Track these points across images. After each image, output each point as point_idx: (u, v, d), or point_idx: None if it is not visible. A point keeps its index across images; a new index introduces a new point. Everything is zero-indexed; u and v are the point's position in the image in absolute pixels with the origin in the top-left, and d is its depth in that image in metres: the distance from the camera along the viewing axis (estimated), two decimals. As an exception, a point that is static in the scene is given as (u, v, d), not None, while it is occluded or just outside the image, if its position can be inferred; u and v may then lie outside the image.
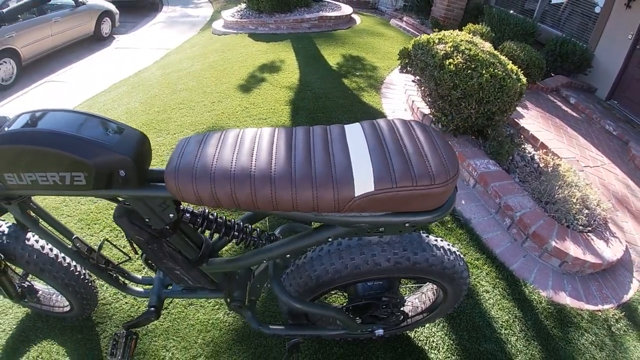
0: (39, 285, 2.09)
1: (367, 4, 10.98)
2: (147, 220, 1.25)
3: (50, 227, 1.59)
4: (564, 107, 5.70)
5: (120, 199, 1.28)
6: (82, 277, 1.86)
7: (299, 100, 4.40)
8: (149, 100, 4.55)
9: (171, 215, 1.25)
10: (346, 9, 8.42)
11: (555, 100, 5.88)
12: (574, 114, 5.61)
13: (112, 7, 9.42)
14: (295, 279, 1.44)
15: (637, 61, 6.26)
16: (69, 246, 1.59)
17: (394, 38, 7.33)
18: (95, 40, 8.87)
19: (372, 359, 1.93)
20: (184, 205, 1.31)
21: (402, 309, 1.60)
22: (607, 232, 2.90)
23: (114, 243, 2.16)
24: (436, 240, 1.43)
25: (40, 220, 1.53)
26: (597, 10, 6.86)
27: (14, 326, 2.08)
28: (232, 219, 1.39)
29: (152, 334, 2.00)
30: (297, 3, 8.01)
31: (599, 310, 2.45)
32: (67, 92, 5.86)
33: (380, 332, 1.60)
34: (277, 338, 1.99)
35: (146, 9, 12.22)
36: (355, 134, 1.14)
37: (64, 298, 2.11)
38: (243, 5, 8.58)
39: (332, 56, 5.95)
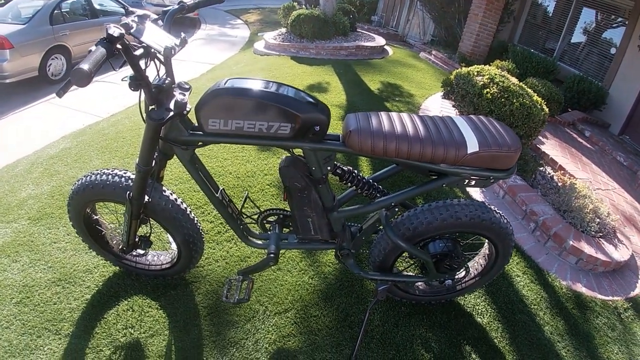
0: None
1: (397, 36, 11.65)
2: (313, 169, 1.78)
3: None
4: (579, 139, 6.17)
5: (296, 151, 1.79)
6: (200, 232, 2.12)
7: (346, 118, 4.89)
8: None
9: (328, 167, 1.80)
10: (380, 40, 9.02)
11: (571, 133, 6.35)
12: (589, 145, 6.09)
13: (158, 21, 9.89)
14: (397, 230, 1.96)
15: (648, 99, 6.62)
16: (216, 195, 1.93)
17: (425, 70, 7.83)
18: (140, 48, 9.35)
19: (432, 318, 2.38)
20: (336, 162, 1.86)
21: (463, 265, 2.14)
22: (616, 240, 3.41)
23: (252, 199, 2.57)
24: (496, 208, 2.00)
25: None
26: (613, 51, 7.32)
27: (101, 283, 2.34)
28: (365, 176, 1.97)
29: (246, 291, 2.28)
30: (336, 32, 8.61)
31: (610, 300, 2.88)
32: (115, 91, 6.25)
33: (449, 282, 2.14)
34: (357, 301, 2.41)
35: (186, 26, 12.80)
36: (460, 120, 1.78)
37: (162, 256, 2.39)
38: (284, 30, 9.17)
39: (372, 82, 6.46)
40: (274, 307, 2.33)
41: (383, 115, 1.76)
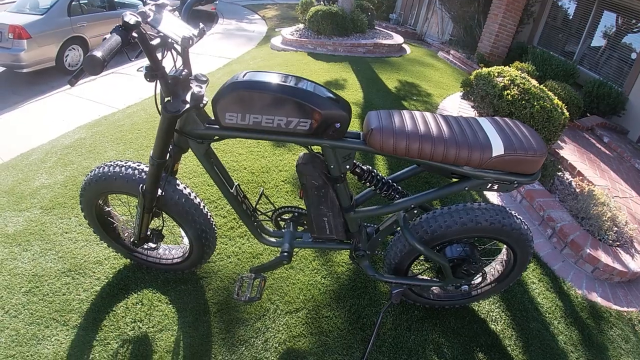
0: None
1: (415, 35, 11.55)
2: (331, 167, 1.72)
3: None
4: (597, 145, 6.03)
5: (314, 148, 1.74)
6: (213, 227, 2.08)
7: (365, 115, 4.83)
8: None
9: (347, 166, 1.74)
10: (398, 38, 8.93)
11: (590, 138, 6.21)
12: (607, 151, 5.95)
13: (175, 12, 9.81)
14: (415, 233, 1.90)
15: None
16: (231, 190, 1.89)
17: (443, 69, 7.72)
18: (158, 42, 9.30)
19: (445, 323, 2.33)
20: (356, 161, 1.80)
21: (480, 271, 2.08)
22: (633, 249, 3.32)
23: (267, 195, 2.46)
24: (516, 213, 1.94)
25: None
26: (634, 56, 7.14)
27: (111, 275, 2.32)
28: (384, 176, 1.91)
29: (258, 289, 2.26)
30: (354, 29, 8.53)
31: (625, 312, 2.81)
32: (131, 83, 6.27)
33: (465, 287, 2.09)
34: (370, 303, 2.37)
35: (203, 19, 12.66)
36: (485, 121, 1.72)
37: (173, 250, 2.36)
38: (301, 26, 9.12)
39: (389, 80, 6.39)
40: (285, 306, 2.29)
41: (406, 113, 1.70)
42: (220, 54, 8.50)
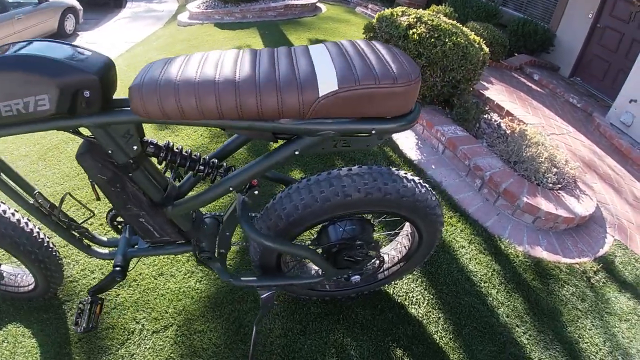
0: (5, 267, 1.99)
1: (334, -7, 11.01)
2: (110, 152, 1.21)
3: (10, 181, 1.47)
4: (528, 83, 5.80)
5: (85, 133, 1.24)
6: (45, 244, 1.75)
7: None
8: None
9: (135, 147, 1.22)
10: (311, -3, 8.44)
11: (519, 77, 5.97)
12: (538, 89, 5.72)
13: (75, 3, 9.25)
14: (265, 222, 1.39)
15: (597, 39, 6.37)
16: (31, 201, 1.50)
17: (359, 24, 7.26)
18: (59, 38, 8.39)
19: (350, 317, 1.88)
20: (148, 137, 1.28)
21: (377, 253, 1.57)
22: (577, 190, 2.93)
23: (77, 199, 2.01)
24: (406, 174, 1.41)
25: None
26: (558, -8, 6.97)
27: None
28: (198, 153, 1.36)
29: (121, 306, 1.92)
30: (263, -8, 8.00)
31: (577, 263, 2.45)
32: None
33: (356, 278, 1.57)
34: (254, 306, 1.92)
35: (110, 6, 12.22)
36: (318, 49, 1.15)
37: (29, 275, 1.99)
38: (209, -3, 8.53)
39: (298, 40, 6.03)
40: (151, 324, 1.86)
41: (194, 57, 1.14)
42: (126, 39, 8.18)
